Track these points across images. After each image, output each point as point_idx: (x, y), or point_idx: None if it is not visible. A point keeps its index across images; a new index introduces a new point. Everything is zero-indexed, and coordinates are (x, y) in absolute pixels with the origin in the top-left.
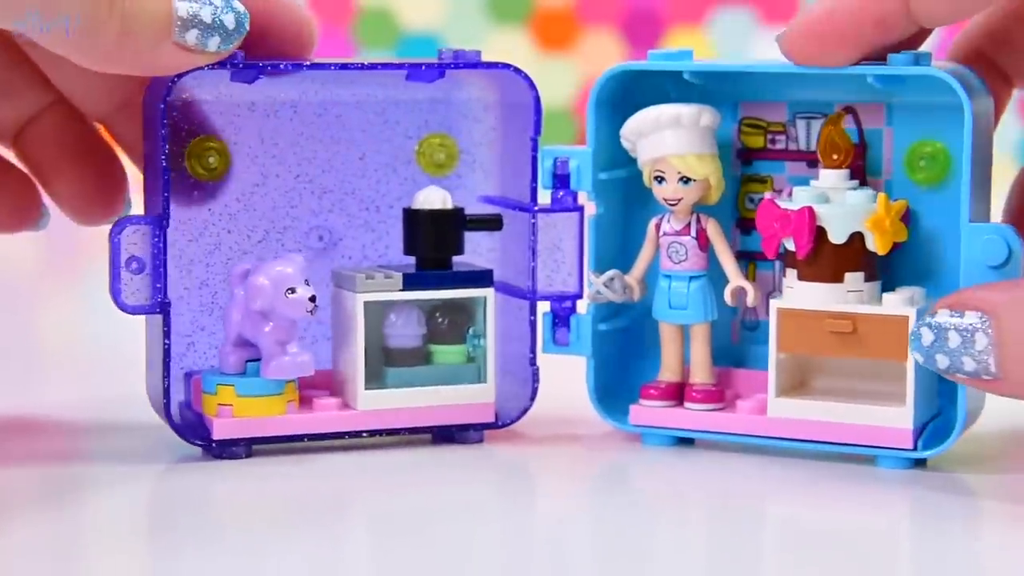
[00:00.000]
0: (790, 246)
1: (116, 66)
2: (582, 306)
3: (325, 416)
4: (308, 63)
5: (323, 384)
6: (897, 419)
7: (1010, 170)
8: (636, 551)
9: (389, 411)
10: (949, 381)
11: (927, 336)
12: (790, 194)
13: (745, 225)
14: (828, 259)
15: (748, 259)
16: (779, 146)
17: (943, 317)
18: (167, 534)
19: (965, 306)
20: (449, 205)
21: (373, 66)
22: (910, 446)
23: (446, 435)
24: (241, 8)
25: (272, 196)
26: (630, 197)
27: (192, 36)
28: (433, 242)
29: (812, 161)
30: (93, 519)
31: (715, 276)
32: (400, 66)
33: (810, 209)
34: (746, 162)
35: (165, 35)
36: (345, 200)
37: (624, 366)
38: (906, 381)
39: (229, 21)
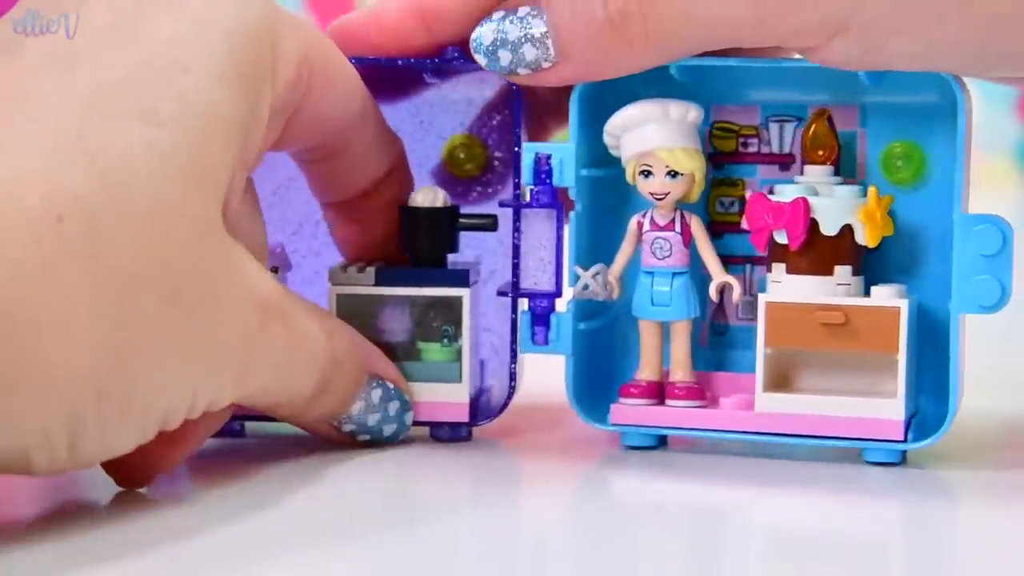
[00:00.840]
0: (780, 239)
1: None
2: (562, 304)
3: None
4: None
5: None
6: (888, 411)
7: (1011, 171)
8: (618, 551)
9: None
10: (929, 375)
11: (488, 36)
12: (771, 191)
13: (716, 228)
14: (819, 252)
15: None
16: (751, 149)
17: (499, 15)
18: (153, 511)
19: (520, 1)
20: (440, 203)
21: (364, 62)
22: (900, 438)
23: (436, 432)
24: (408, 422)
25: (306, 190)
26: (607, 196)
27: (349, 428)
28: (427, 240)
29: (784, 164)
30: (91, 505)
31: (694, 275)
32: (377, 61)
33: (805, 200)
34: (717, 166)
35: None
36: None
37: (602, 365)
38: (896, 373)
39: (389, 430)
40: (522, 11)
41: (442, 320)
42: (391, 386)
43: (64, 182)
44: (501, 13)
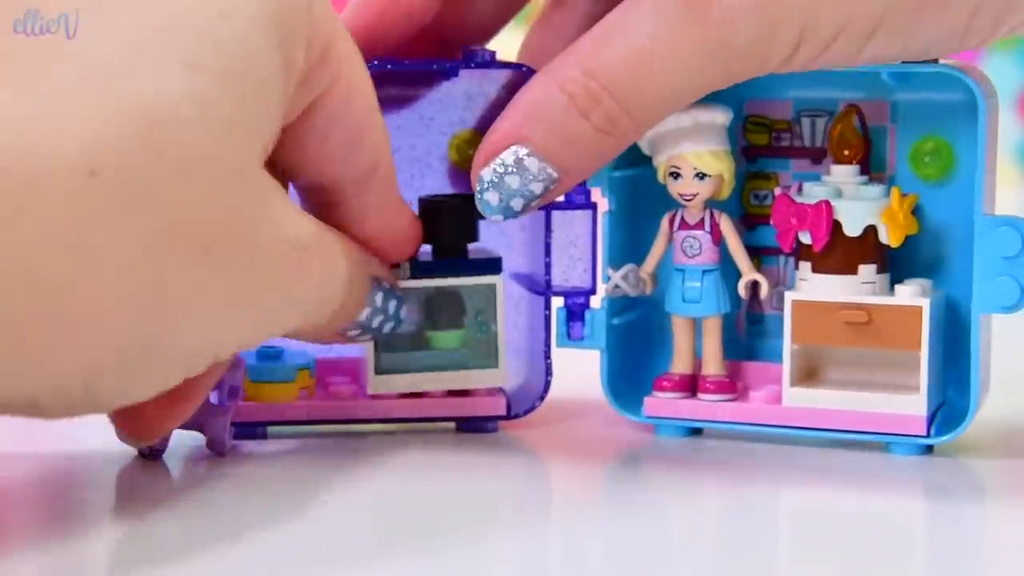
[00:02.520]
0: (805, 239)
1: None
2: (596, 301)
3: (328, 405)
4: None
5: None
6: (911, 407)
7: (1011, 171)
8: (653, 536)
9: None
10: (955, 367)
11: (494, 198)
12: (799, 189)
13: (750, 221)
14: (843, 251)
15: (753, 254)
16: (784, 143)
17: (489, 173)
18: (171, 516)
19: (496, 150)
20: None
21: (374, 64)
22: (924, 432)
23: (464, 425)
24: (403, 317)
25: None
26: (640, 194)
27: (354, 332)
28: (449, 230)
29: (816, 157)
30: (94, 507)
31: (726, 270)
32: (404, 64)
33: (827, 203)
34: (751, 159)
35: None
36: None
37: (635, 359)
38: (919, 369)
39: (387, 328)
40: (507, 157)
41: (458, 309)
42: (387, 285)
43: (102, 133)
44: (491, 173)
